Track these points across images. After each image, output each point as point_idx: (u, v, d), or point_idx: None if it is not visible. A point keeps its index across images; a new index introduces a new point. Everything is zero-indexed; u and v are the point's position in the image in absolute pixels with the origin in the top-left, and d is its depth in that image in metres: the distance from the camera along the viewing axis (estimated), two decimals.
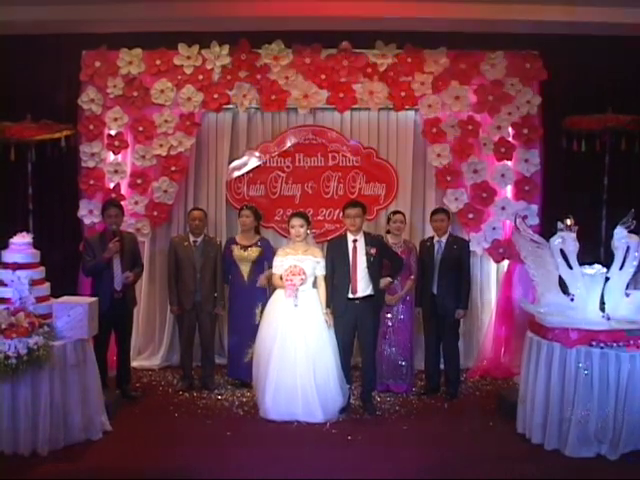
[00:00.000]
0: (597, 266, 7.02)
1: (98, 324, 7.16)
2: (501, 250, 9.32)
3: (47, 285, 6.99)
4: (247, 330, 8.33)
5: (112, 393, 7.95)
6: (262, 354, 7.69)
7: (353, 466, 6.44)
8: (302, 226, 7.86)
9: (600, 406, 6.49)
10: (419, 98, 9.24)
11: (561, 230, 7.05)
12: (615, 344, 6.51)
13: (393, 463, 6.50)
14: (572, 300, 6.96)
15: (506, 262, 9.41)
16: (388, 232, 8.67)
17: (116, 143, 9.28)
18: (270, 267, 8.16)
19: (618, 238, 7.02)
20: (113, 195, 9.14)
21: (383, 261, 7.96)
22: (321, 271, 7.84)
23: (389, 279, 7.98)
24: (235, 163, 9.60)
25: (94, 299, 7.17)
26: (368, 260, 7.80)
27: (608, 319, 6.79)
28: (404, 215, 8.71)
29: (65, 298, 7.07)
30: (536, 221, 9.12)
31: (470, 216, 9.31)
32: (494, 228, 9.30)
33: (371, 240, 7.91)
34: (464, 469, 6.37)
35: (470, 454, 6.72)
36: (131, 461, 6.48)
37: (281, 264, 7.82)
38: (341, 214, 8.24)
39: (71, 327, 6.75)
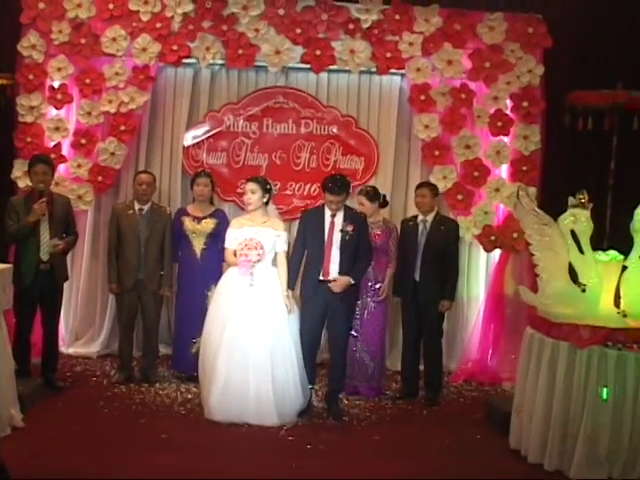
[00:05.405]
0: (613, 252, 6.05)
1: (20, 299, 6.63)
2: (493, 238, 8.52)
3: None
4: (197, 315, 7.27)
5: (32, 382, 6.99)
6: (210, 343, 6.78)
7: None
8: (254, 192, 6.98)
9: (614, 420, 5.52)
10: (406, 61, 8.51)
11: (573, 207, 6.11)
12: (636, 345, 5.51)
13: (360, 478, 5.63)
14: (584, 291, 5.93)
15: (497, 252, 8.64)
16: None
17: (59, 96, 8.38)
18: None
19: None
20: (52, 155, 8.11)
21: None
22: (282, 247, 6.96)
23: (347, 279, 6.92)
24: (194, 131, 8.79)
25: (7, 266, 6.31)
26: (343, 238, 6.88)
27: (624, 316, 5.82)
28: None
29: None
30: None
31: (459, 197, 8.52)
32: (486, 212, 8.50)
33: (351, 216, 6.99)
34: None
35: (454, 471, 5.85)
36: (36, 463, 5.46)
37: (235, 237, 6.93)
38: (314, 189, 7.62)
39: None
